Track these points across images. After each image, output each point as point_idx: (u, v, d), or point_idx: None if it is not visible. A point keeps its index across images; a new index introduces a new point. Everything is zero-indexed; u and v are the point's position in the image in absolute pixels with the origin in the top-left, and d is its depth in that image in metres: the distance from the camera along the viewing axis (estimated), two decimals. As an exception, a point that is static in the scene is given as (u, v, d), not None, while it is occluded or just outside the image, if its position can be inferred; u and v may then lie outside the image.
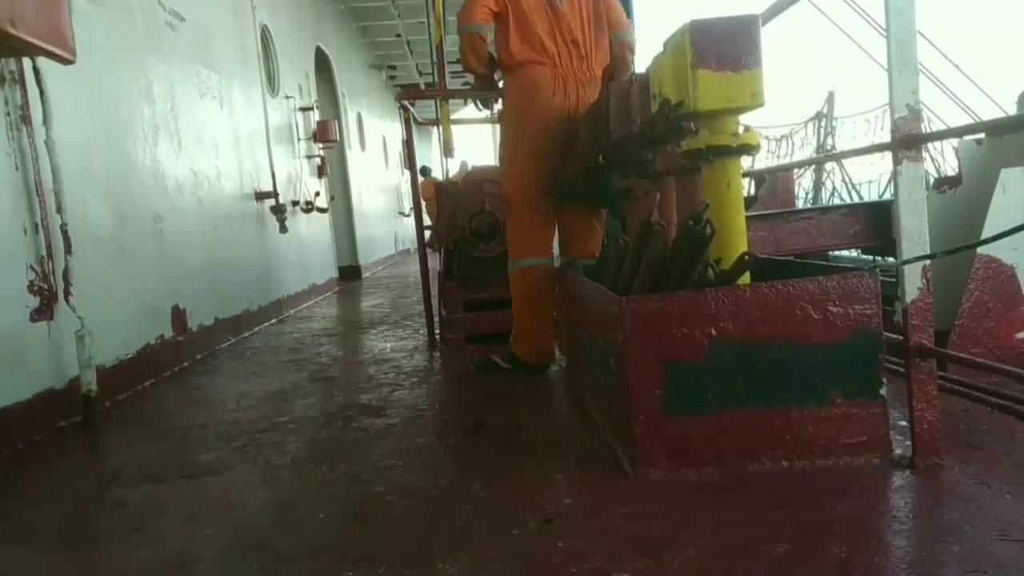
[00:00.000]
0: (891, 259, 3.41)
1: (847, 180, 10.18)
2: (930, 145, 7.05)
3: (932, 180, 3.22)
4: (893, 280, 2.16)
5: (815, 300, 1.75)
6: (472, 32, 3.02)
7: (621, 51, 3.18)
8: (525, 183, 3.05)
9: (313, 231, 7.06)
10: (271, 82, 6.22)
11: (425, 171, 10.77)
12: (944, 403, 1.74)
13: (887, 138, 1.75)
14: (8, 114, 2.63)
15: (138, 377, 3.35)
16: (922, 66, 3.17)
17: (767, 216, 3.44)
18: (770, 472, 1.75)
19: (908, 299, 1.69)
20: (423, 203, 4.58)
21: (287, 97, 6.64)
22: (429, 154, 16.44)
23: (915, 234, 1.68)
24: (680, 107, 1.87)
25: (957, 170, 2.80)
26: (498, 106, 3.64)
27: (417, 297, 3.97)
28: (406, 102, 4.07)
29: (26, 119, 2.69)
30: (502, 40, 3.02)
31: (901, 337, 1.71)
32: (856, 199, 9.56)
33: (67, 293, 2.80)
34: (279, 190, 5.77)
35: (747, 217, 1.97)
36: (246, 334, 4.82)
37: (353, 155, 9.42)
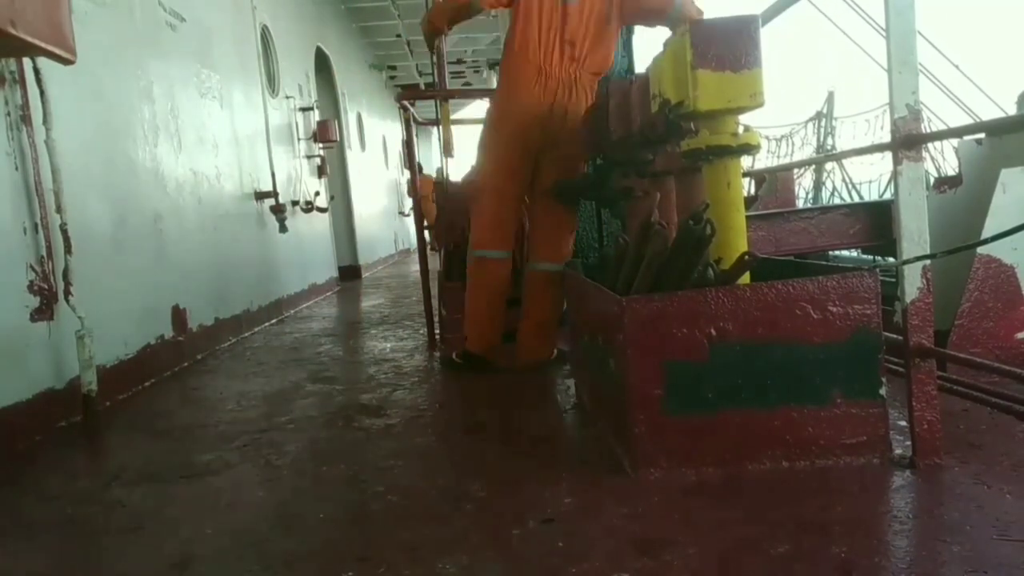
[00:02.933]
0: (891, 259, 3.41)
1: (847, 180, 10.20)
2: (930, 145, 7.05)
3: (932, 180, 3.22)
4: (893, 280, 2.16)
5: (815, 300, 1.75)
6: (473, 12, 3.08)
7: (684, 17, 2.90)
8: (493, 174, 3.08)
9: (313, 231, 7.05)
10: (271, 82, 6.21)
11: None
12: (944, 403, 1.74)
13: (887, 138, 1.75)
14: (8, 114, 2.63)
15: (138, 377, 3.35)
16: (922, 66, 3.17)
17: (767, 216, 3.44)
18: (770, 472, 1.75)
19: (908, 299, 1.69)
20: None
21: (287, 97, 6.63)
22: (429, 154, 16.45)
23: (915, 234, 1.68)
24: (680, 107, 1.87)
25: (957, 170, 2.80)
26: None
27: (417, 297, 3.98)
28: (406, 102, 4.07)
29: (26, 119, 2.69)
30: (509, 32, 3.04)
31: (901, 337, 1.71)
32: (856, 199, 9.57)
33: (67, 293, 2.80)
34: (279, 190, 5.77)
35: (747, 217, 1.97)
36: (246, 334, 4.82)
37: (353, 155, 9.42)
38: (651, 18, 3.12)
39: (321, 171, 7.51)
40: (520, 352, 3.18)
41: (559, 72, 2.97)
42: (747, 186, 4.78)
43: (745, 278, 1.85)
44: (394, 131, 13.62)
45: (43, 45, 2.13)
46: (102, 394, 2.90)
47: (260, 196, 5.48)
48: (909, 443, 1.74)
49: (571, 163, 3.11)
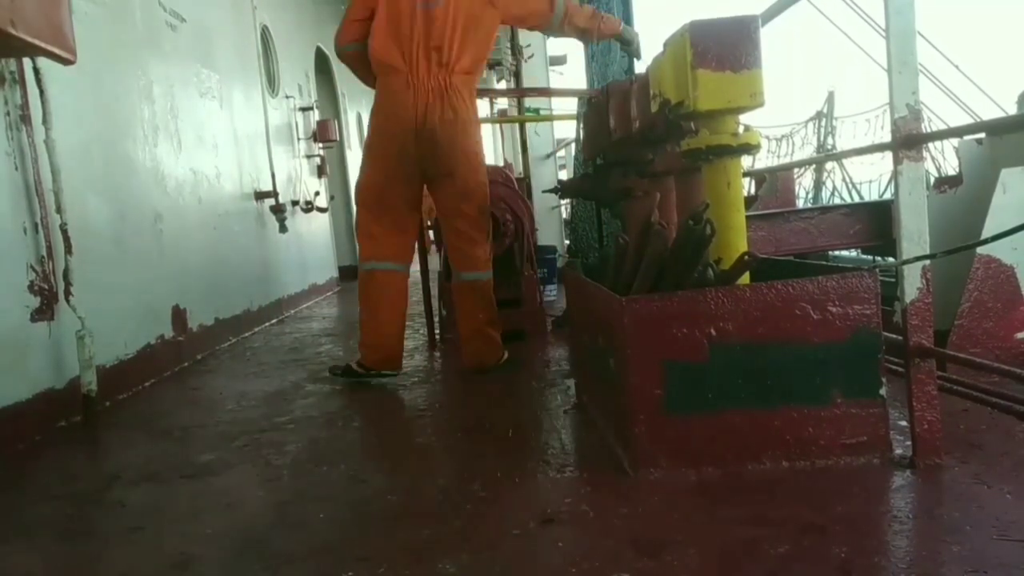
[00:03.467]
0: (891, 259, 3.41)
1: (847, 180, 10.20)
2: (930, 145, 7.06)
3: (932, 180, 3.22)
4: (893, 280, 2.16)
5: (815, 300, 1.75)
6: (348, 52, 3.13)
7: (571, 27, 3.07)
8: (367, 188, 3.07)
9: (313, 231, 7.05)
10: (271, 82, 6.21)
11: None
12: (944, 403, 1.74)
13: (887, 138, 1.75)
14: (8, 114, 2.63)
15: (138, 377, 3.35)
16: (922, 66, 3.17)
17: (767, 216, 3.44)
18: (770, 472, 1.75)
19: (908, 299, 1.69)
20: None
21: (287, 97, 6.63)
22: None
23: (915, 234, 1.68)
24: (680, 107, 1.87)
25: (957, 170, 2.80)
26: (499, 104, 3.65)
27: (417, 297, 3.97)
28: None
29: (26, 119, 2.69)
30: (371, 39, 3.01)
31: (901, 337, 1.71)
32: (856, 199, 9.57)
33: (67, 293, 2.79)
34: (279, 190, 5.77)
35: (747, 217, 1.97)
36: (246, 334, 4.82)
37: (353, 155, 9.42)
38: (528, 24, 3.18)
39: (321, 171, 7.51)
40: (464, 357, 3.19)
41: (428, 81, 2.94)
42: (747, 186, 4.78)
43: (745, 278, 1.85)
44: (394, 131, 13.60)
45: (43, 45, 2.14)
46: (102, 394, 2.90)
47: (260, 196, 5.48)
48: (909, 443, 1.74)
49: (477, 194, 3.08)
